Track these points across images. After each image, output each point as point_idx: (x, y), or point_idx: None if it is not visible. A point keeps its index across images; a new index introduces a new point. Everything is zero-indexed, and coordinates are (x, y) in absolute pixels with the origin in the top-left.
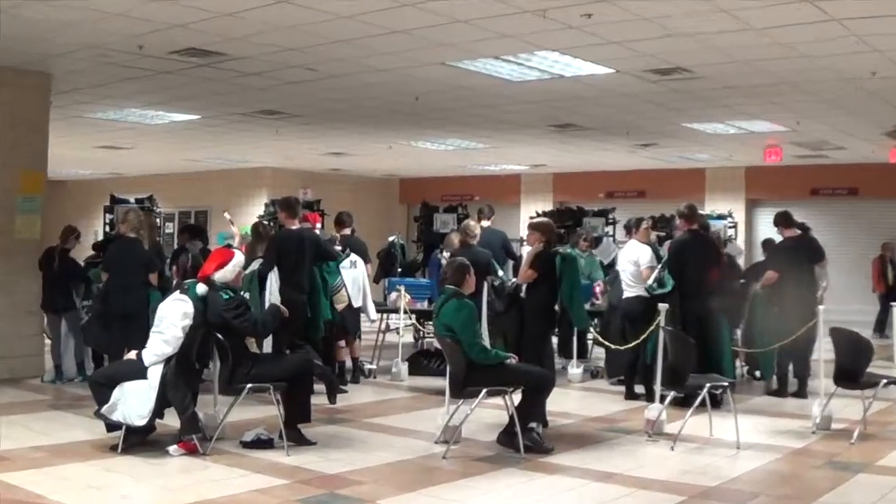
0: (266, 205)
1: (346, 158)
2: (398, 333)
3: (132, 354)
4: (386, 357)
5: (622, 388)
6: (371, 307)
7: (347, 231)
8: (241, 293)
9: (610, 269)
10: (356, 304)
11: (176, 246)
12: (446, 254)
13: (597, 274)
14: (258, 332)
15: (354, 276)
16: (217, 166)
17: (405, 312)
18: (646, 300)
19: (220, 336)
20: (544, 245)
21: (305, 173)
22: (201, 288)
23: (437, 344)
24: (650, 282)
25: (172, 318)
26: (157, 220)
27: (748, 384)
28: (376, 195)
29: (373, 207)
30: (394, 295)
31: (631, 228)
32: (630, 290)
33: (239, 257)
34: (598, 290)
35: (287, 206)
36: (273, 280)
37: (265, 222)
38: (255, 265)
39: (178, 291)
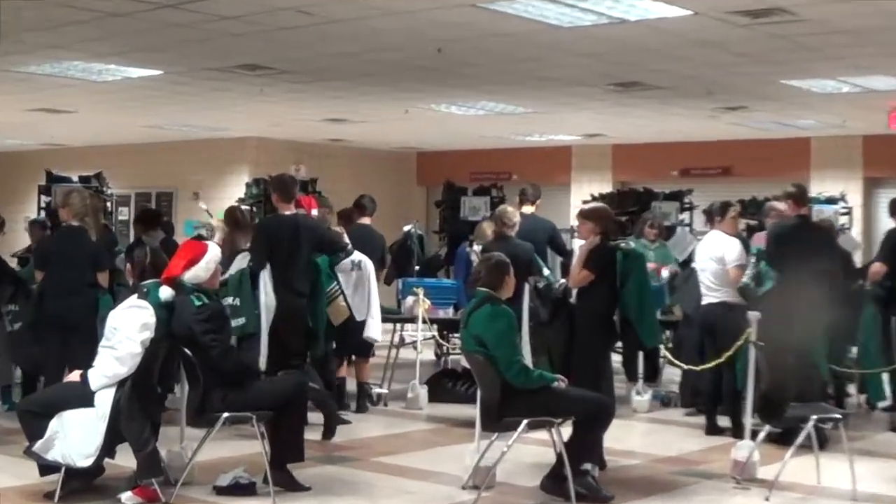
0: (248, 185)
1: (350, 126)
2: (415, 349)
3: (74, 375)
4: (400, 379)
5: (702, 420)
6: (375, 324)
7: (367, 220)
8: (227, 299)
9: (685, 267)
10: (359, 316)
11: (132, 238)
12: (477, 248)
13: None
14: (228, 361)
15: (358, 281)
16: (185, 136)
17: (424, 322)
18: (732, 307)
19: (188, 352)
20: (601, 238)
21: (298, 145)
22: (166, 291)
23: (464, 362)
24: (745, 279)
25: (128, 329)
26: (108, 203)
27: (867, 416)
28: (387, 173)
29: (383, 189)
30: (410, 300)
31: (713, 215)
32: (711, 294)
33: (214, 251)
34: (665, 273)
35: (281, 186)
36: (266, 279)
37: (244, 207)
38: (243, 262)
39: (134, 296)
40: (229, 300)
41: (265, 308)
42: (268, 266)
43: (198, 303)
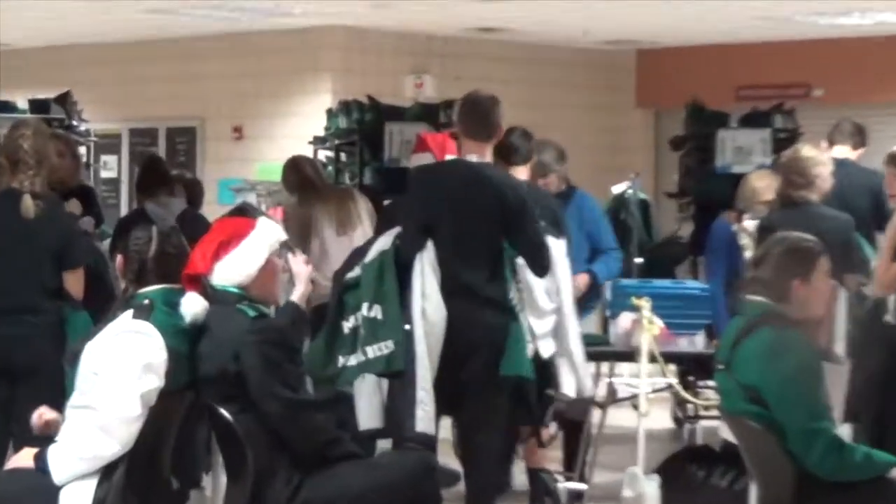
0: (330, 113)
1: (513, 5)
2: (636, 408)
3: (25, 457)
4: (608, 464)
5: None
6: (579, 368)
7: (521, 173)
8: (360, 310)
9: None
10: (546, 352)
11: (124, 208)
12: (749, 223)
13: None
14: (307, 426)
15: (540, 282)
16: (216, 28)
17: (653, 360)
18: None
19: (226, 415)
20: None
21: (418, 40)
22: (192, 303)
23: (726, 433)
24: None
25: (118, 374)
26: (84, 149)
27: None
28: (582, 89)
29: (573, 117)
30: (626, 319)
31: None
32: None
33: (267, 233)
34: None
35: (475, 111)
36: (426, 269)
37: (324, 156)
38: (386, 242)
39: (129, 312)
40: (363, 311)
41: (426, 321)
42: (430, 248)
43: (252, 313)
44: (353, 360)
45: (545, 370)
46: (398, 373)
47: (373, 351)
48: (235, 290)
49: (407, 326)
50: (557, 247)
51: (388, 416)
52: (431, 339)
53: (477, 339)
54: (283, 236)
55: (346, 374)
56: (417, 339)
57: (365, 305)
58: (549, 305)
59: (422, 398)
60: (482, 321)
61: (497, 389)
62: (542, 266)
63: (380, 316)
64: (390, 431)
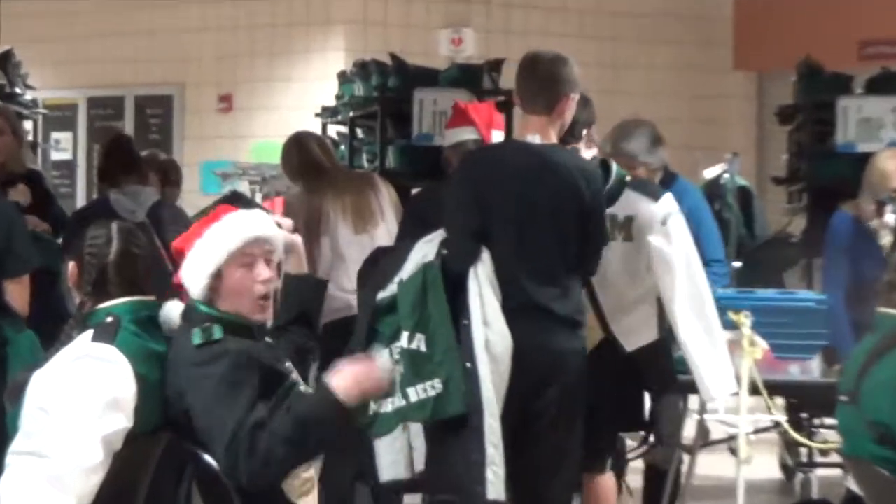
0: (342, 77)
1: None
2: (735, 454)
3: None
4: None
5: None
6: (699, 369)
7: (590, 150)
8: (399, 339)
9: None
10: (630, 345)
11: (83, 198)
12: (892, 216)
13: None
14: (249, 472)
15: (628, 260)
16: None
17: (754, 392)
18: None
19: (212, 462)
20: None
21: None
22: (173, 310)
23: (849, 483)
24: None
25: (74, 412)
26: (30, 124)
27: None
28: (665, 47)
29: (657, 82)
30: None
31: None
32: None
33: (223, 229)
34: None
35: (535, 80)
36: (485, 289)
37: (336, 132)
38: (429, 250)
39: (87, 334)
40: (402, 342)
41: (489, 355)
42: (486, 258)
43: (197, 339)
44: (388, 406)
45: (631, 368)
46: (450, 420)
47: (415, 393)
48: (204, 308)
49: (467, 364)
50: (655, 210)
51: (429, 467)
52: (496, 378)
53: (551, 368)
54: (255, 233)
55: (381, 423)
56: (482, 379)
57: (405, 335)
58: (630, 287)
59: (491, 457)
60: (554, 347)
61: (574, 425)
62: (590, 272)
63: (424, 347)
64: (428, 486)
